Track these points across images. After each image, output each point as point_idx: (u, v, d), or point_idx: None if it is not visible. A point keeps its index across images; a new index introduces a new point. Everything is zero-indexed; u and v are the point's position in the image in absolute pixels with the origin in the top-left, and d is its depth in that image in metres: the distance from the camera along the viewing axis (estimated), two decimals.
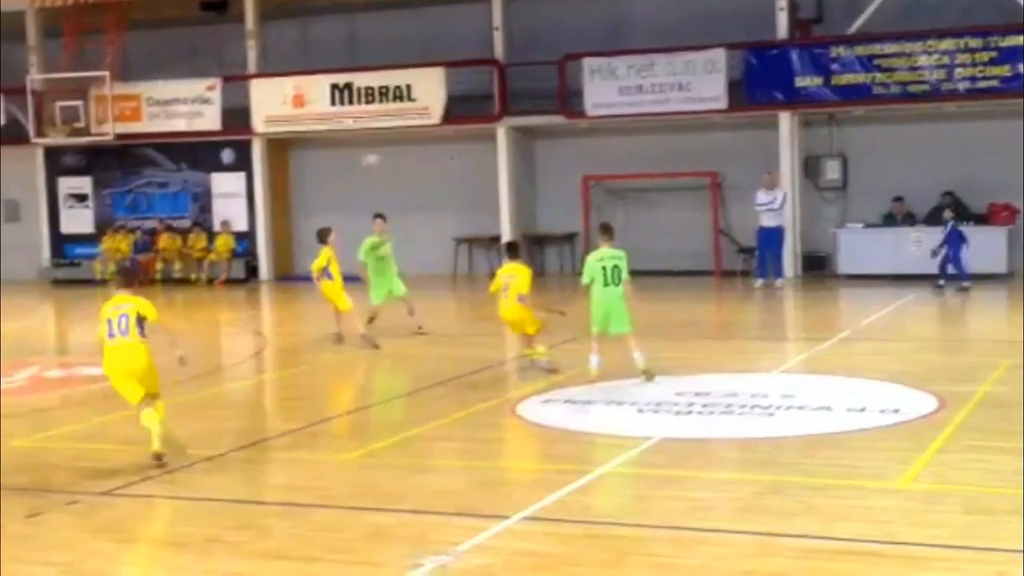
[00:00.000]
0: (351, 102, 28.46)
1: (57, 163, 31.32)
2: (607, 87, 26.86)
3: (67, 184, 31.36)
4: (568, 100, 27.37)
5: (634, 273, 14.29)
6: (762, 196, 25.19)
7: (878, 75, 25.28)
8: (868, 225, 25.73)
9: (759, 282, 25.16)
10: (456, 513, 8.89)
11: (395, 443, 11.40)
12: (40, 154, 31.12)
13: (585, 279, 14.11)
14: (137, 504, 9.62)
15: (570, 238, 28.50)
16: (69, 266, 30.89)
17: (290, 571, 7.72)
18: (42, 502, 9.58)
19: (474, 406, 13.04)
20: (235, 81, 29.47)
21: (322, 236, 18.47)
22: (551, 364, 14.84)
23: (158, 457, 10.60)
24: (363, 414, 12.92)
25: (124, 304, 11.02)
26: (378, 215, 19.45)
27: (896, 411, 12.04)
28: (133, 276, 12.81)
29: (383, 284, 18.84)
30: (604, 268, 13.94)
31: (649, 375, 13.96)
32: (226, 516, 9.16)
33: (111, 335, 10.89)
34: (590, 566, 7.60)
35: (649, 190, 27.85)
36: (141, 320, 10.90)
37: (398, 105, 28.14)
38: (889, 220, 25.79)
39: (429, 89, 27.87)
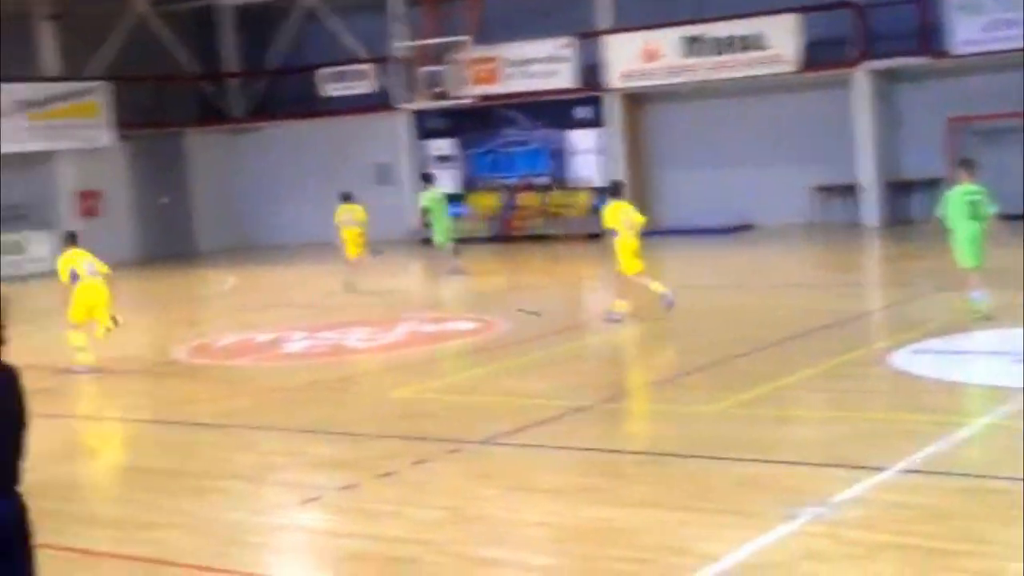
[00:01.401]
0: (703, 54, 28.33)
1: (423, 126, 32.63)
2: (972, 22, 25.64)
3: (433, 146, 32.63)
4: (929, 39, 26.31)
5: (1008, 217, 13.71)
6: None
7: None
8: None
9: None
10: (828, 464, 8.81)
11: (763, 394, 11.37)
12: (407, 118, 32.50)
13: (944, 213, 14.23)
14: (514, 452, 10.01)
15: (935, 183, 27.43)
16: None
17: (661, 519, 7.86)
18: (426, 449, 10.11)
19: (841, 356, 12.85)
20: (589, 38, 29.83)
21: (616, 189, 17.86)
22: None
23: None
24: (728, 365, 12.93)
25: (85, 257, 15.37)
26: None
27: None
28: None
29: None
30: (967, 203, 14.04)
31: (986, 316, 13.68)
32: (597, 465, 9.41)
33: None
34: (970, 520, 7.39)
35: (1021, 131, 26.44)
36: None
37: (751, 54, 27.79)
38: None
39: (782, 36, 27.37)
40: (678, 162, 30.16)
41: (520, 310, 18.11)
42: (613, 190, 17.76)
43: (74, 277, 15.30)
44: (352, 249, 23.23)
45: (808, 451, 9.22)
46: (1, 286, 5.46)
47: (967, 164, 14.67)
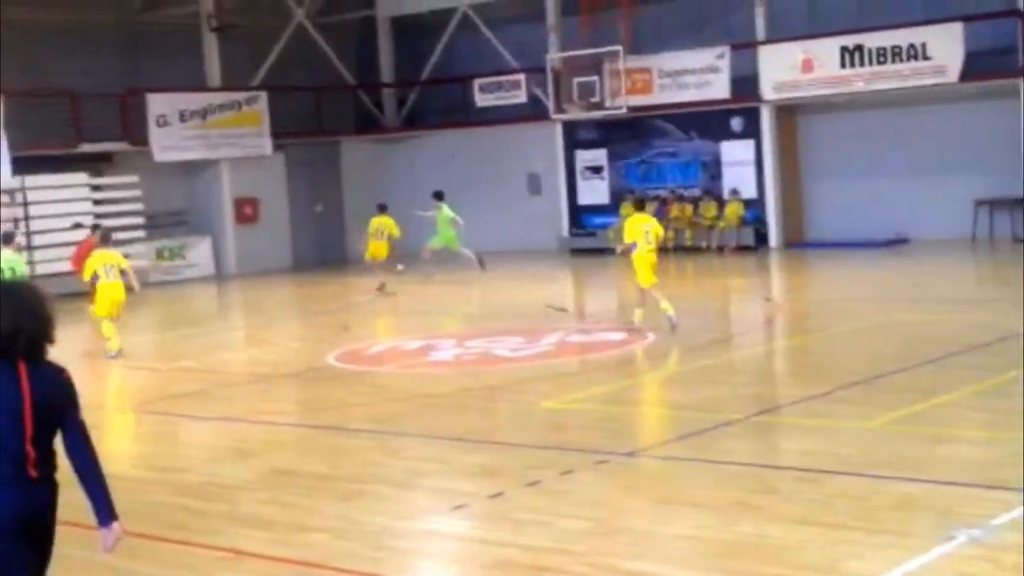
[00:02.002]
0: (862, 64, 27.80)
1: (574, 137, 32.63)
2: None
3: (584, 157, 32.61)
4: None
5: None
6: None
7: None
8: None
9: None
10: (987, 485, 8.53)
11: (919, 411, 11.08)
12: (559, 129, 32.55)
13: None
14: (662, 465, 9.91)
15: None
16: (586, 236, 32.12)
17: (817, 537, 7.69)
18: (573, 460, 10.06)
19: (1003, 374, 12.44)
20: (743, 49, 29.53)
21: (640, 204, 18.44)
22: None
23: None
24: (883, 381, 12.63)
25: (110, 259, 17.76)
26: None
27: None
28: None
29: None
30: None
31: None
32: (749, 480, 9.26)
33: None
34: None
35: None
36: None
37: (912, 64, 27.19)
38: None
39: (946, 45, 26.71)
40: (832, 174, 29.64)
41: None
42: (637, 203, 18.41)
43: (96, 277, 17.78)
44: (377, 252, 25.56)
45: (966, 471, 8.93)
46: (46, 289, 5.75)
47: None
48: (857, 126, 29.53)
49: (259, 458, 11.11)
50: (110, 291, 17.68)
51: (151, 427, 13.19)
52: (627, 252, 17.26)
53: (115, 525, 5.42)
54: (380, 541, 8.33)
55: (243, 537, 8.54)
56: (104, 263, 17.84)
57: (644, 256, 16.97)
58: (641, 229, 17.12)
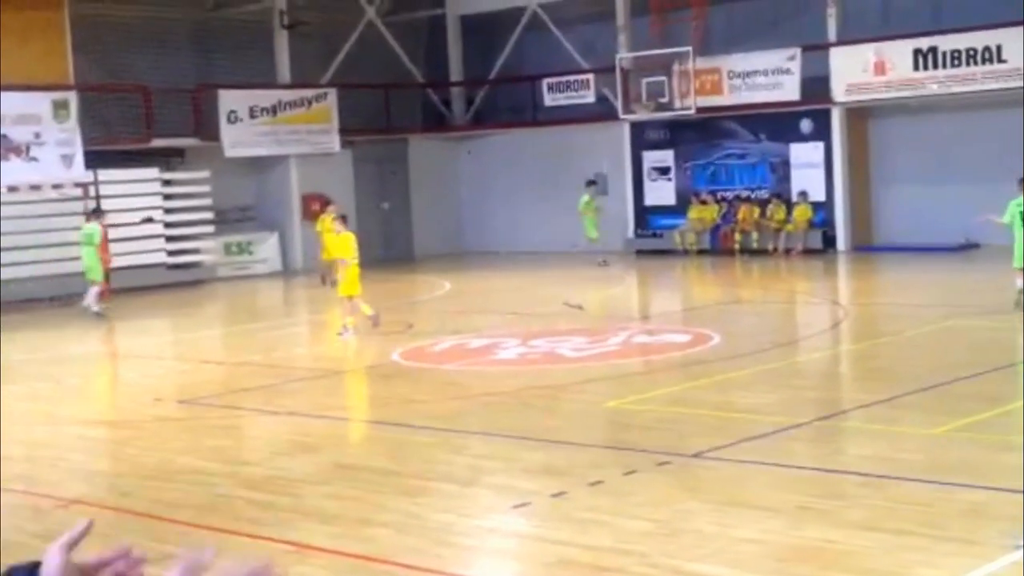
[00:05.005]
0: (935, 66, 27.50)
1: (642, 137, 32.53)
2: None
3: (651, 157, 32.50)
4: None
5: None
6: None
7: None
8: None
9: None
10: None
11: (986, 419, 10.97)
12: (626, 129, 32.48)
13: (1005, 219, 18.06)
14: (726, 468, 9.87)
15: None
16: (652, 237, 32.03)
17: (881, 543, 7.64)
18: (636, 460, 10.06)
19: None
20: (815, 50, 29.31)
21: (345, 219, 20.22)
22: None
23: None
24: (950, 387, 12.51)
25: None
26: None
27: None
28: None
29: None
30: (1022, 213, 17.77)
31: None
32: (814, 484, 9.21)
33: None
34: None
35: None
36: None
37: (986, 68, 26.86)
38: None
39: (1020, 49, 26.34)
40: (902, 177, 29.35)
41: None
42: (341, 218, 20.64)
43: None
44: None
45: None
46: None
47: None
48: (928, 129, 29.21)
49: (324, 453, 11.20)
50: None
51: (217, 421, 13.33)
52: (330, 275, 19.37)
53: None
54: (443, 537, 8.37)
55: (308, 531, 8.62)
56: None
57: (355, 268, 18.61)
58: (350, 245, 18.71)
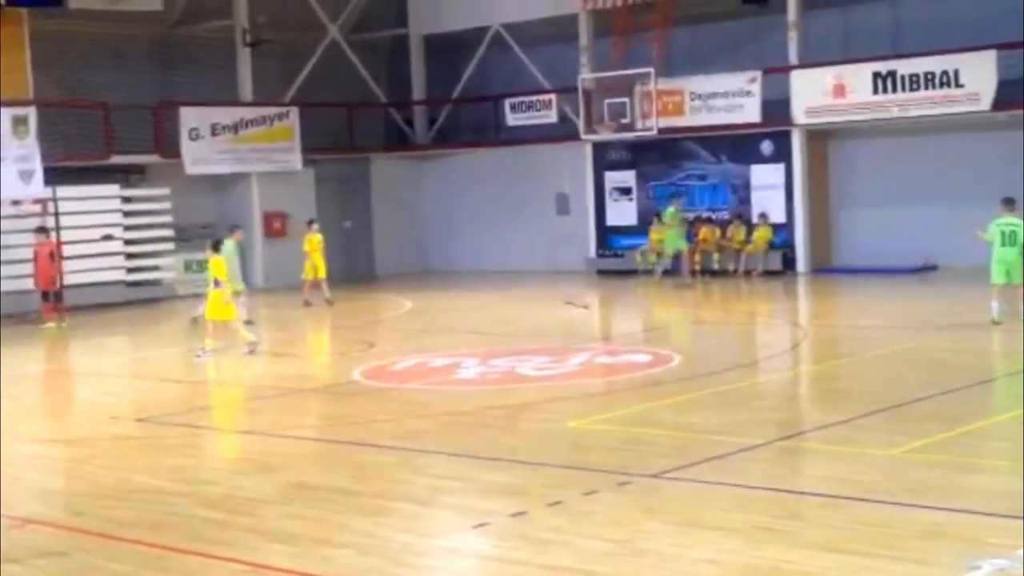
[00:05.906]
0: (895, 90, 27.74)
1: (604, 157, 32.63)
2: None
3: (612, 178, 32.62)
4: None
5: None
6: None
7: None
8: None
9: None
10: (1013, 515, 8.46)
11: (944, 440, 11.04)
12: (589, 149, 32.56)
13: (987, 239, 18.77)
14: (686, 488, 9.89)
15: None
16: (613, 257, 32.11)
17: (840, 564, 7.66)
18: (597, 480, 10.06)
19: None
20: (776, 73, 29.51)
21: (216, 246, 20.00)
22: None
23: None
24: (907, 409, 12.59)
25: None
26: None
27: None
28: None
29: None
30: (1002, 232, 18.62)
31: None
32: (773, 505, 9.23)
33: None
34: None
35: None
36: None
37: (944, 91, 27.12)
38: None
39: (979, 73, 26.62)
40: (862, 200, 29.58)
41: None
42: (215, 246, 20.03)
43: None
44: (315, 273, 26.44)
45: (991, 501, 8.88)
46: None
47: (1007, 201, 19.15)
48: (888, 152, 29.46)
49: (283, 472, 11.14)
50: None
51: (176, 440, 13.24)
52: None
53: None
54: (402, 558, 8.34)
55: (266, 551, 8.56)
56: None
57: (223, 293, 19.13)
58: (224, 269, 19.21)
